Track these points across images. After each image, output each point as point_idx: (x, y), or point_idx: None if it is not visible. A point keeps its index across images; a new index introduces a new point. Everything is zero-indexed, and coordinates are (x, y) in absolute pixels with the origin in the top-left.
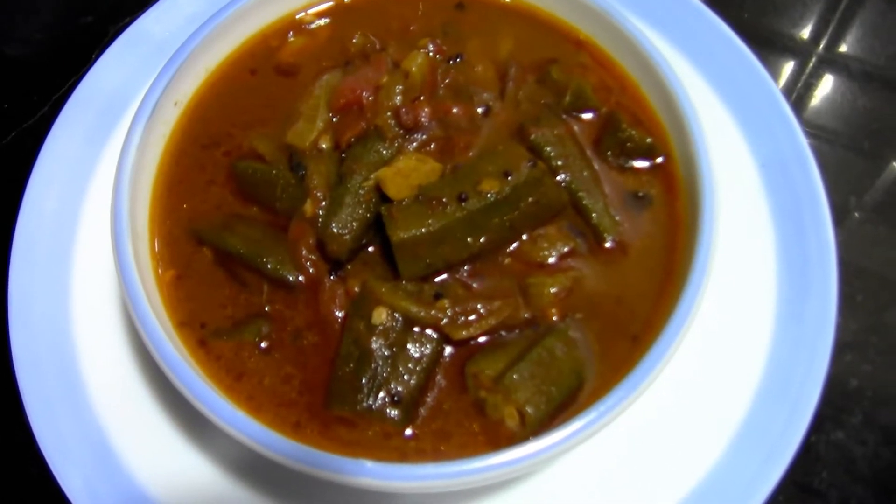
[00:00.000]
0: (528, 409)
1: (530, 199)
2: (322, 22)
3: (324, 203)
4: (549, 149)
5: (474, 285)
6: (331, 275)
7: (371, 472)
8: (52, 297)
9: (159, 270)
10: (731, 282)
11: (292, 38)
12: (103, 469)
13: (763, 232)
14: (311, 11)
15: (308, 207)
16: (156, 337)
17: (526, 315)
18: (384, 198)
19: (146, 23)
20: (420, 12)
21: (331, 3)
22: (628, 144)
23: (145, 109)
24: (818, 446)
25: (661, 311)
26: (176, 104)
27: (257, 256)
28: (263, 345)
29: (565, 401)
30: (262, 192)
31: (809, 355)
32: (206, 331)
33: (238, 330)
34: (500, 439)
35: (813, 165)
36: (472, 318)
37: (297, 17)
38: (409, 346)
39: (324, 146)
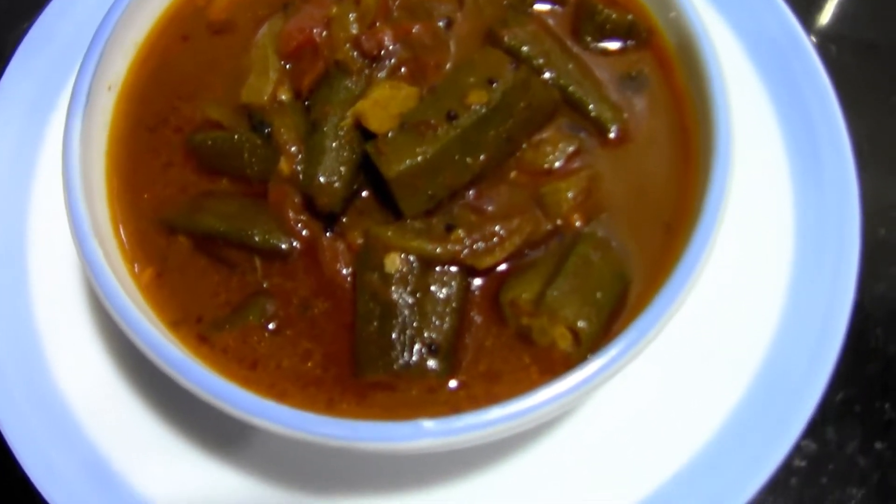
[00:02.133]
0: (581, 325)
1: (522, 105)
2: None
3: (300, 157)
4: (525, 48)
5: (487, 208)
6: (326, 232)
7: (432, 432)
8: (12, 314)
9: (136, 271)
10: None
11: None
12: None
13: (761, 105)
14: None
15: (283, 166)
16: (153, 340)
17: (548, 227)
18: (366, 135)
19: (48, 20)
20: None
21: None
22: (608, 27)
23: (78, 100)
24: (864, 304)
25: (689, 193)
26: (110, 88)
27: (241, 231)
28: (271, 326)
29: (615, 308)
30: (228, 162)
31: (839, 217)
32: (203, 325)
33: (239, 315)
34: (555, 366)
35: (804, 38)
36: (493, 241)
37: None
38: (432, 287)
39: (283, 97)
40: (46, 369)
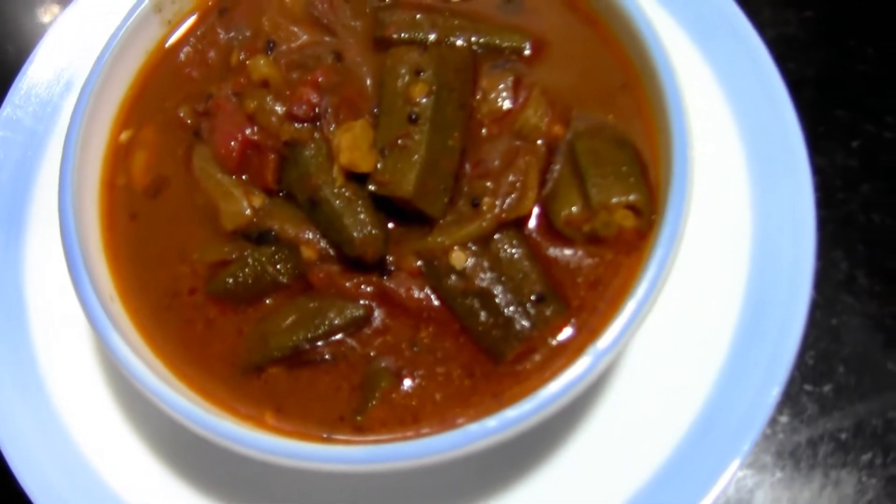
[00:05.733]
0: (633, 197)
1: (451, 73)
2: (129, 131)
3: (317, 236)
4: (413, 33)
5: (489, 168)
6: (384, 276)
7: (606, 349)
8: None
9: (267, 420)
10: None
11: (130, 161)
12: None
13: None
14: (121, 137)
15: (308, 253)
16: (348, 456)
17: (543, 149)
18: (360, 180)
19: None
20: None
21: (115, 112)
22: None
23: (104, 324)
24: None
25: (621, 56)
26: (112, 299)
27: (317, 328)
28: (405, 381)
29: (641, 169)
30: (259, 285)
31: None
32: (349, 420)
33: (371, 390)
34: (634, 242)
35: None
36: (517, 188)
37: (113, 143)
38: (501, 255)
39: (258, 204)
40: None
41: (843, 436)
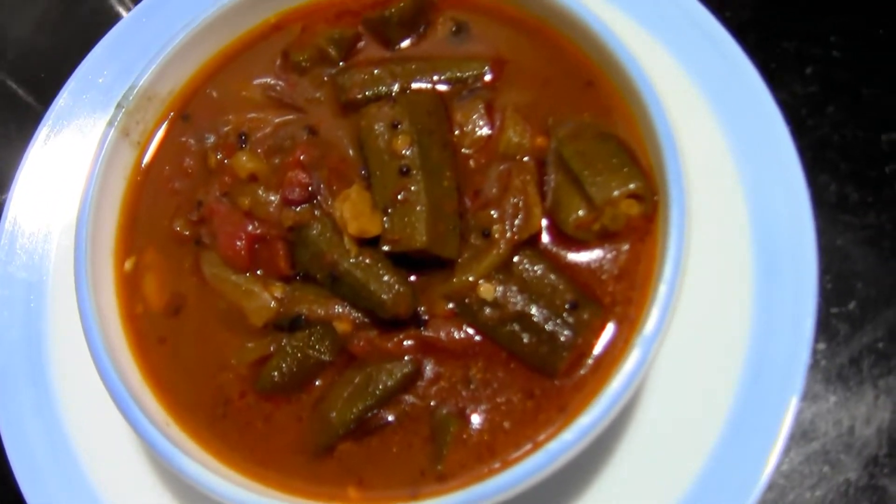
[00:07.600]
0: (632, 186)
1: (426, 116)
2: (132, 259)
3: (347, 308)
4: (376, 89)
5: (488, 196)
6: (421, 328)
7: (651, 336)
8: None
9: (350, 494)
10: None
11: (141, 287)
12: None
13: None
14: (125, 267)
15: (343, 326)
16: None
17: (532, 165)
18: (371, 244)
19: None
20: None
21: (113, 245)
22: (397, 19)
23: (173, 455)
24: None
25: (576, 53)
26: (168, 424)
27: (373, 396)
28: (473, 420)
29: (631, 156)
30: (305, 370)
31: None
32: (429, 474)
33: (442, 439)
34: (645, 226)
35: None
36: (520, 208)
37: (121, 275)
38: (524, 276)
39: (279, 294)
40: None
41: (881, 345)
